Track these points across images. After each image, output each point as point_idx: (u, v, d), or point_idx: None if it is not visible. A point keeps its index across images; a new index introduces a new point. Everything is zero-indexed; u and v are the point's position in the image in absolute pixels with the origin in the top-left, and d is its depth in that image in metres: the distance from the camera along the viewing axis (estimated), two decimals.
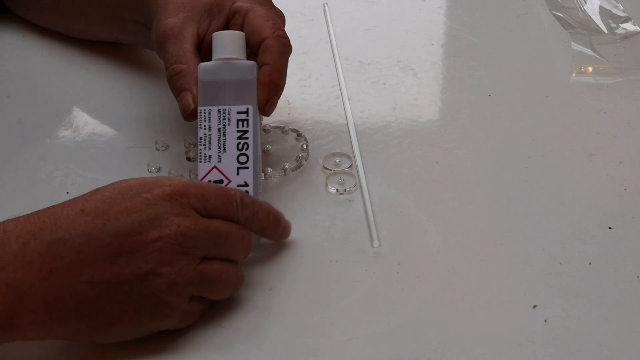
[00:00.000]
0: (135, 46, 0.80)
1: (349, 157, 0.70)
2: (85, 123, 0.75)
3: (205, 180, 0.62)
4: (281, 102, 0.77)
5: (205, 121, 0.62)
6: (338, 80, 0.79)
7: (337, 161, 0.69)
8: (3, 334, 0.49)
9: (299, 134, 0.72)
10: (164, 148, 0.71)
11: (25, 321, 0.49)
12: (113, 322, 0.52)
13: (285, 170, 0.68)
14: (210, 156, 0.62)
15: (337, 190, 0.67)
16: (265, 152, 0.71)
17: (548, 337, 0.55)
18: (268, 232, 0.59)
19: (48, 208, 0.52)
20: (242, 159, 0.62)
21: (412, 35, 0.87)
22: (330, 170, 0.69)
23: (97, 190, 0.53)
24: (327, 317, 0.57)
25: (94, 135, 0.73)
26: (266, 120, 0.74)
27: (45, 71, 0.82)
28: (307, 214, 0.65)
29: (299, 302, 0.58)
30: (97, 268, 0.50)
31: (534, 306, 0.57)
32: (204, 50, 0.66)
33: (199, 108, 0.63)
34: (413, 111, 0.76)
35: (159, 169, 0.69)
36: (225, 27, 0.67)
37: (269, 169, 0.68)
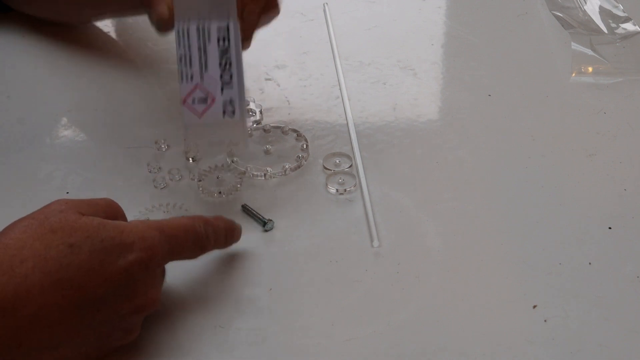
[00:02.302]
0: (120, 15, 0.79)
1: (349, 157, 0.70)
2: (85, 123, 0.75)
3: (190, 99, 0.60)
4: (281, 102, 0.77)
5: (184, 39, 0.60)
6: (338, 80, 0.79)
7: (337, 161, 0.69)
8: None
9: (299, 134, 0.72)
10: (164, 148, 0.71)
11: None
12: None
13: (285, 170, 0.68)
14: (192, 75, 0.60)
15: (337, 190, 0.67)
16: (265, 152, 0.71)
17: (548, 337, 0.55)
18: (226, 245, 0.60)
19: (15, 261, 0.48)
20: (226, 77, 0.60)
21: (412, 35, 0.87)
22: (330, 170, 0.69)
23: (70, 246, 0.49)
24: (327, 317, 0.57)
25: (94, 135, 0.73)
26: (266, 120, 0.74)
27: (45, 71, 0.82)
28: (307, 214, 0.65)
29: (299, 302, 0.58)
30: (69, 339, 0.50)
31: (534, 306, 0.57)
32: None
33: (177, 26, 0.60)
34: (413, 111, 0.76)
35: (159, 169, 0.69)
36: None
37: (269, 169, 0.68)
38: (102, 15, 0.81)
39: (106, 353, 0.53)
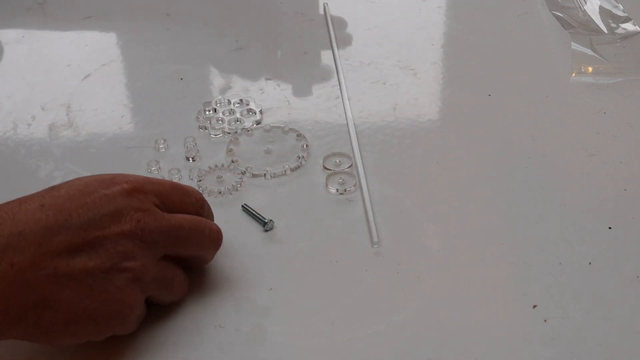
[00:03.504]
0: None
1: (349, 157, 0.70)
2: (85, 123, 0.75)
3: None
4: (281, 102, 0.77)
5: None
6: (338, 80, 0.79)
7: (337, 161, 0.69)
8: None
9: (299, 134, 0.72)
10: (164, 148, 0.71)
11: None
12: (73, 320, 0.50)
13: (285, 170, 0.68)
14: None
15: (337, 190, 0.67)
16: (265, 152, 0.71)
17: (548, 337, 0.55)
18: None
19: (4, 204, 0.51)
20: None
21: (412, 35, 0.87)
22: (330, 170, 0.69)
23: (52, 188, 0.52)
24: (327, 317, 0.57)
25: (94, 135, 0.73)
26: (266, 120, 0.74)
27: (45, 71, 0.82)
28: (307, 214, 0.65)
29: (299, 302, 0.58)
30: (59, 262, 0.49)
31: (534, 306, 0.57)
32: None
33: None
34: (413, 111, 0.76)
35: (159, 169, 0.69)
36: None
37: (269, 169, 0.68)
38: None
39: (108, 326, 0.51)
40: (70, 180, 0.53)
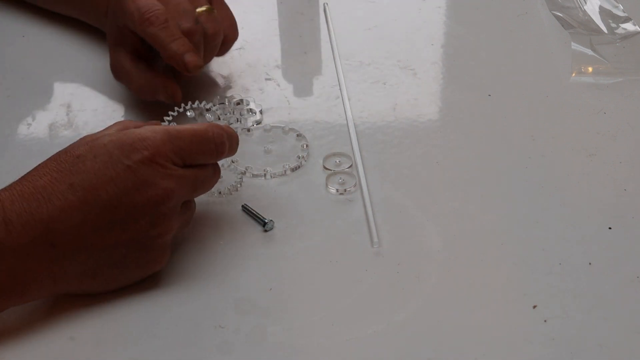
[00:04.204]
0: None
1: (349, 157, 0.70)
2: (85, 123, 0.75)
3: None
4: (281, 102, 0.77)
5: None
6: (338, 80, 0.79)
7: (337, 161, 0.69)
8: (15, 300, 0.54)
9: (299, 134, 0.72)
10: None
11: (34, 289, 0.54)
12: (110, 282, 0.57)
13: (285, 170, 0.68)
14: None
15: (337, 190, 0.67)
16: (265, 152, 0.71)
17: (548, 337, 0.55)
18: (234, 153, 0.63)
19: (35, 178, 0.54)
20: None
21: (412, 35, 0.87)
22: (330, 170, 0.69)
23: (77, 157, 0.55)
24: (327, 317, 0.57)
25: None
26: (266, 120, 0.74)
27: (46, 71, 0.82)
28: (307, 214, 0.65)
29: (299, 302, 0.58)
30: (95, 239, 0.54)
31: (534, 306, 0.57)
32: None
33: None
34: (413, 111, 0.76)
35: None
36: None
37: (269, 169, 0.68)
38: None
39: (142, 276, 0.58)
40: (89, 146, 0.55)
